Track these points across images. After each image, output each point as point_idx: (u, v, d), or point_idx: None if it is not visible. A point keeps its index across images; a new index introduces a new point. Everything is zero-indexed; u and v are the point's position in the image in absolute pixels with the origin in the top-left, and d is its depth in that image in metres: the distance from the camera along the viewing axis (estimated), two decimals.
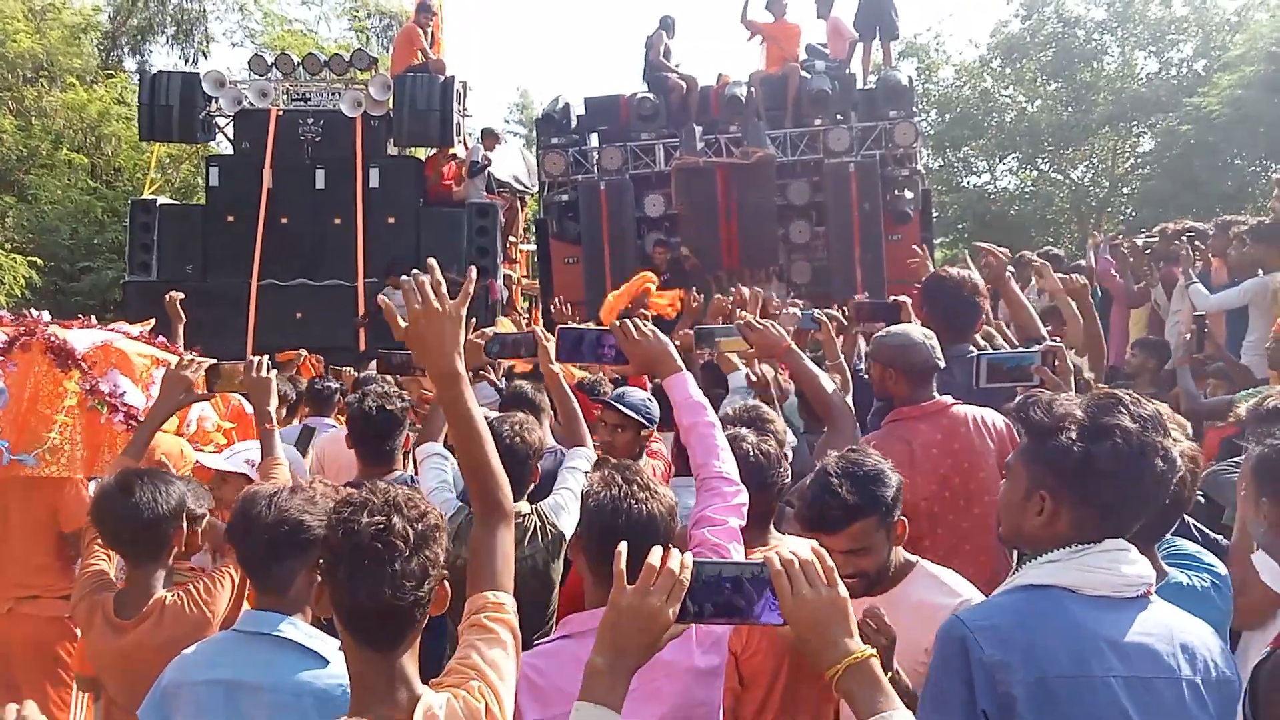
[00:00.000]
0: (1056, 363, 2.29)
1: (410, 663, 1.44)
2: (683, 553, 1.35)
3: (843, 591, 1.27)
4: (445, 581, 1.48)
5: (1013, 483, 1.63)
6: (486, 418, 2.70)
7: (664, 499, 1.82)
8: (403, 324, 1.56)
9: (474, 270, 1.63)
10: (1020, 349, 2.97)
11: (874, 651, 1.25)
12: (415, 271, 1.57)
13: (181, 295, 4.90)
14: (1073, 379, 2.34)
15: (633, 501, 1.78)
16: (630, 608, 1.28)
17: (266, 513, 1.86)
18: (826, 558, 1.30)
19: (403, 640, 1.43)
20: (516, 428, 2.64)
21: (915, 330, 2.93)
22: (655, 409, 3.15)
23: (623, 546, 1.35)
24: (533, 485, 2.72)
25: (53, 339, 3.19)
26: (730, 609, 1.29)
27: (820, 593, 1.26)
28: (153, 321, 3.87)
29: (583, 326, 2.40)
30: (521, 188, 12.78)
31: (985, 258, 3.23)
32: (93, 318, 3.68)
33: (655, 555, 1.30)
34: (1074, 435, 1.50)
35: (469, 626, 1.51)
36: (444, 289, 1.56)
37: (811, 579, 1.26)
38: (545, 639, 1.86)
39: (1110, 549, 1.48)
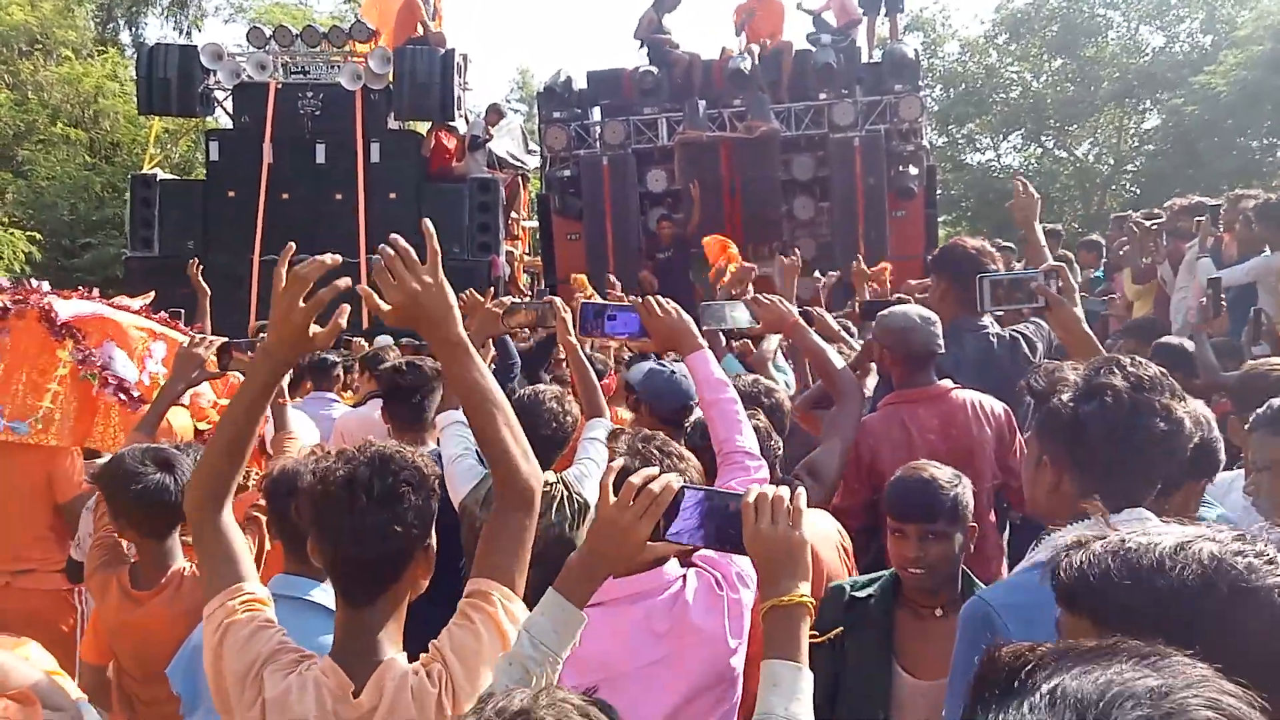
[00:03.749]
0: (1060, 282, 2.25)
1: (386, 625, 1.44)
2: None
3: (801, 535, 1.29)
4: (429, 548, 1.46)
5: (1028, 454, 1.62)
6: (528, 392, 2.70)
7: (694, 465, 1.82)
8: (385, 307, 1.48)
9: (429, 224, 1.55)
10: (1022, 270, 2.92)
11: (810, 601, 1.27)
12: (382, 247, 1.49)
13: (200, 265, 4.91)
14: (1078, 296, 2.29)
15: (656, 465, 1.77)
16: (608, 519, 1.34)
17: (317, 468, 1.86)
18: (800, 499, 1.30)
19: (374, 598, 1.43)
20: (564, 401, 2.64)
21: (915, 312, 2.90)
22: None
23: (616, 463, 1.43)
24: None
25: (46, 307, 3.17)
26: (705, 535, 1.35)
27: (777, 528, 1.27)
28: (153, 294, 3.85)
29: (604, 301, 2.39)
30: (518, 163, 12.69)
31: (1017, 194, 3.13)
32: (95, 290, 3.65)
33: (641, 475, 1.35)
34: (1065, 397, 1.49)
35: (458, 610, 1.49)
36: (414, 257, 1.48)
37: (776, 515, 1.28)
38: None
39: (1128, 519, 1.45)
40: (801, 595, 1.26)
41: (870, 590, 2.11)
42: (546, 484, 2.49)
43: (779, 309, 2.91)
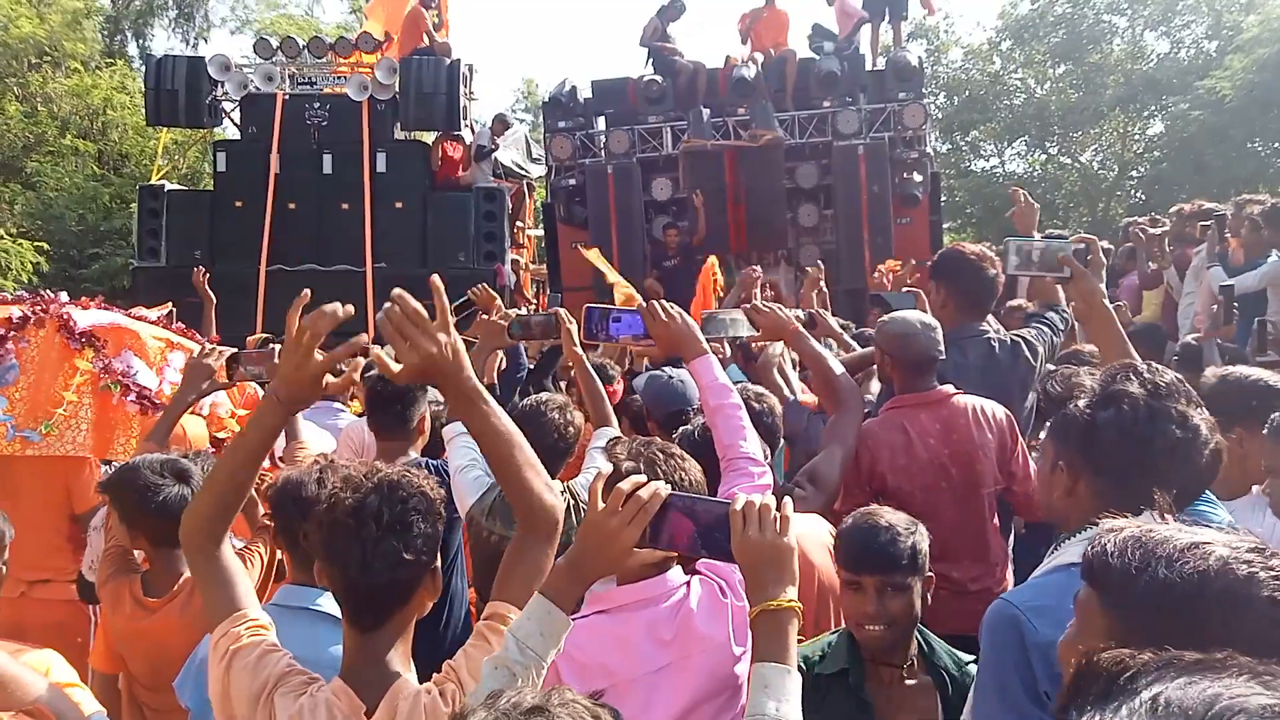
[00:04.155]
0: (1090, 256, 2.25)
1: (394, 646, 1.45)
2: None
3: (789, 541, 1.30)
4: (435, 571, 1.47)
5: (1042, 459, 1.63)
6: (530, 403, 2.70)
7: (694, 468, 1.82)
8: (395, 368, 1.45)
9: (437, 280, 1.47)
10: (1052, 238, 2.92)
11: (798, 606, 1.29)
12: (389, 307, 1.44)
13: (206, 273, 4.95)
14: (1104, 273, 2.30)
15: (660, 469, 1.78)
16: (595, 525, 1.35)
17: (323, 494, 1.86)
18: (787, 506, 1.32)
19: (383, 622, 1.44)
20: (567, 413, 2.64)
21: (916, 318, 2.89)
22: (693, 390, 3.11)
23: (607, 468, 1.42)
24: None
25: (65, 317, 3.19)
26: (692, 541, 1.36)
27: (765, 536, 1.29)
28: (169, 305, 3.86)
29: (609, 305, 2.39)
30: (523, 172, 12.74)
31: (1016, 207, 3.14)
32: (100, 299, 3.66)
33: (629, 482, 1.35)
34: (1082, 403, 1.50)
35: (474, 632, 1.51)
36: (424, 316, 1.43)
37: (763, 523, 1.30)
38: (579, 615, 1.88)
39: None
40: (789, 600, 1.28)
41: (832, 664, 1.91)
42: None
43: (778, 316, 2.89)
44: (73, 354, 3.17)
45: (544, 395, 2.81)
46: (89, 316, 3.28)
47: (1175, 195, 15.74)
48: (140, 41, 21.94)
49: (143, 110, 11.80)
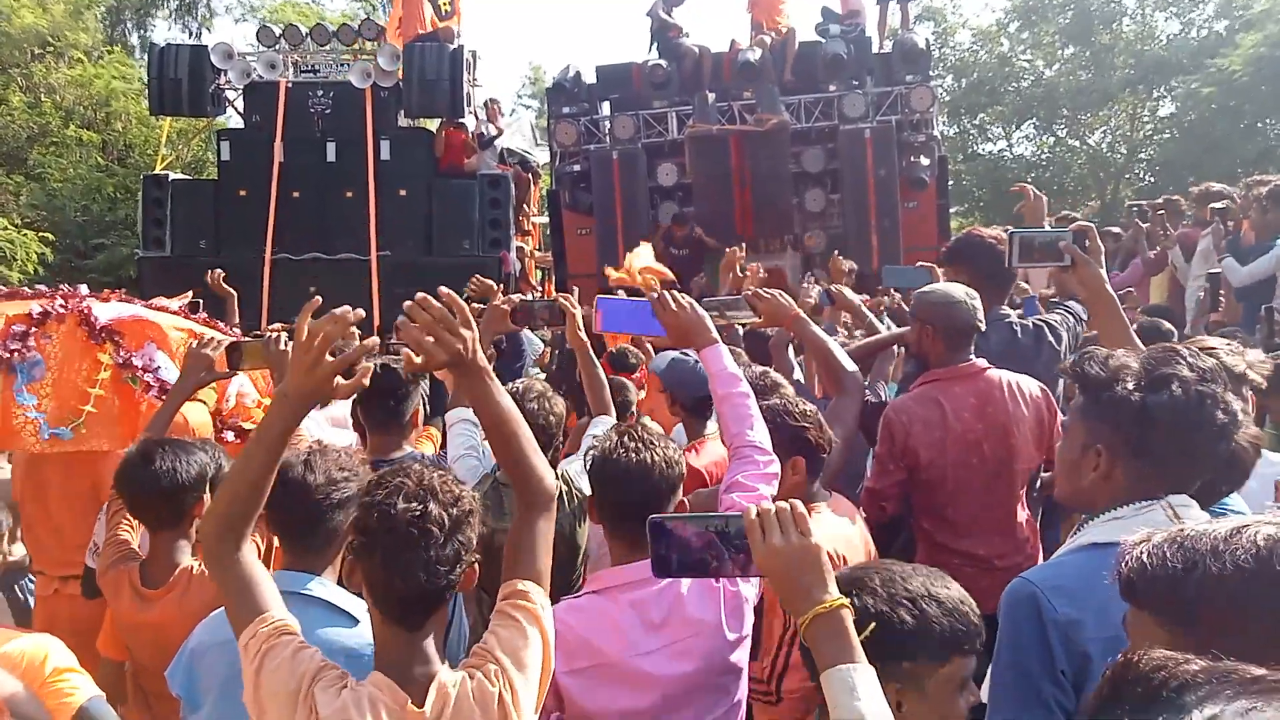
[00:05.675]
0: (1087, 242, 2.28)
1: (433, 641, 1.47)
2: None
3: (815, 540, 1.25)
4: (475, 563, 1.49)
5: (1069, 440, 1.59)
6: (509, 389, 2.68)
7: (659, 450, 1.84)
8: (417, 360, 1.49)
9: (449, 292, 1.51)
10: (1053, 228, 2.94)
11: (845, 602, 1.23)
12: (412, 306, 1.47)
13: (223, 273, 4.98)
14: (1103, 258, 2.33)
15: (622, 452, 1.82)
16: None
17: (311, 477, 1.87)
18: (799, 506, 1.28)
19: (429, 620, 1.46)
20: (545, 403, 2.63)
21: (958, 289, 2.85)
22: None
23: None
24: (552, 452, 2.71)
25: (86, 311, 3.16)
26: (709, 563, 1.29)
27: (790, 540, 1.24)
28: (189, 294, 3.84)
29: (622, 297, 2.40)
30: (527, 155, 12.72)
31: (1025, 203, 3.14)
32: (122, 291, 3.64)
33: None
34: (1130, 386, 1.46)
35: (496, 613, 1.52)
36: (449, 316, 1.47)
37: (784, 526, 1.25)
38: (574, 595, 1.88)
39: (1175, 505, 1.44)
40: (837, 599, 1.22)
41: None
42: None
43: (778, 302, 2.87)
44: (94, 349, 3.14)
45: (521, 383, 2.77)
46: (110, 310, 3.25)
47: (1184, 177, 15.62)
48: (141, 33, 21.88)
49: (146, 100, 11.78)
